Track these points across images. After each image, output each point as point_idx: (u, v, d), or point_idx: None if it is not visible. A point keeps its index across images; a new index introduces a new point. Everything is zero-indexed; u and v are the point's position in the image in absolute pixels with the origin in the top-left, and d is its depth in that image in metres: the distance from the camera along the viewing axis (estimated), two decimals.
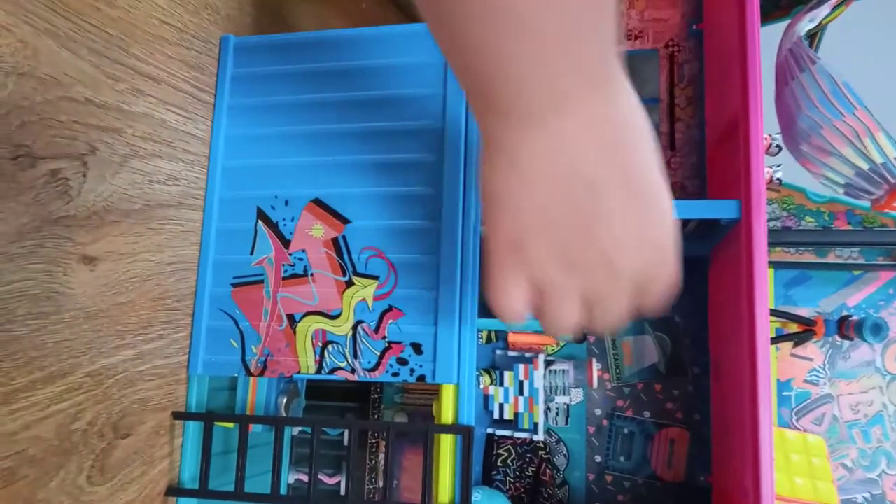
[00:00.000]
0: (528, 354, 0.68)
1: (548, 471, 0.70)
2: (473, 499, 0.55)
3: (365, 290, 0.61)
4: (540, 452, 0.70)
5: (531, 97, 0.31)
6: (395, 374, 0.59)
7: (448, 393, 0.58)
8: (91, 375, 0.51)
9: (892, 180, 0.61)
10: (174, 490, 0.61)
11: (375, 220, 0.62)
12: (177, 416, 0.61)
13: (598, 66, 0.31)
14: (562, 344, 0.72)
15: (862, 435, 0.69)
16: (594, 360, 0.71)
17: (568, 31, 0.29)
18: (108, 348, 0.53)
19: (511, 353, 0.68)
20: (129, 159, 0.55)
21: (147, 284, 0.58)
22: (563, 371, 0.70)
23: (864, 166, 0.62)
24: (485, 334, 0.67)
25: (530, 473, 0.69)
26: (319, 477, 0.80)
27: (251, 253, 0.64)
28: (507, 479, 0.69)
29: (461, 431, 0.56)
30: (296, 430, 0.82)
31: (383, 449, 0.79)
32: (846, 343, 0.68)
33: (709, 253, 0.70)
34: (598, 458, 0.71)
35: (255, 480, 0.68)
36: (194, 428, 0.63)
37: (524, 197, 0.34)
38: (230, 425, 0.64)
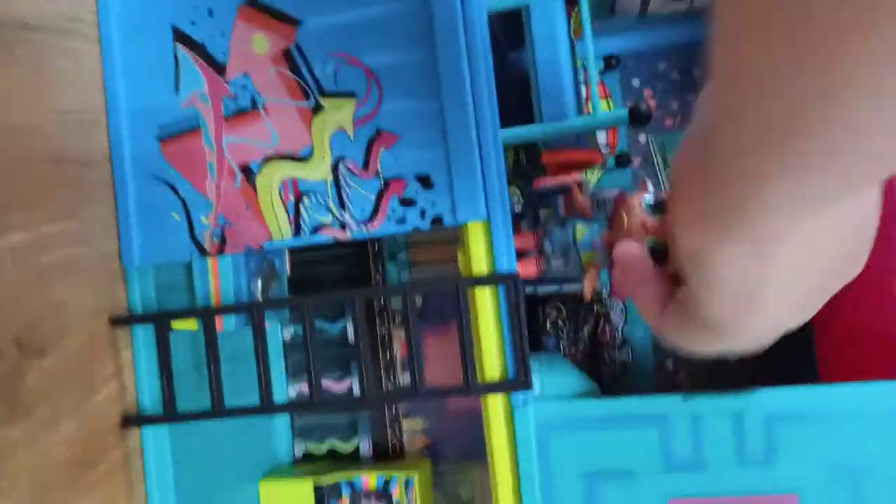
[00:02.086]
0: (567, 183, 0.52)
1: (607, 328, 0.55)
2: (533, 370, 0.40)
3: (340, 115, 0.44)
4: (595, 307, 0.55)
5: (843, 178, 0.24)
6: (401, 221, 0.43)
7: (477, 234, 0.42)
8: None
9: None
10: (132, 419, 0.45)
11: (336, 13, 0.44)
12: (116, 321, 0.45)
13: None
14: (607, 163, 0.56)
15: None
16: (648, 183, 0.55)
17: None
18: None
19: (545, 186, 0.52)
20: None
21: (35, 140, 0.40)
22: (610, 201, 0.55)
23: None
24: (511, 158, 0.50)
25: (586, 334, 0.55)
26: (325, 382, 0.65)
27: (176, 90, 0.46)
28: (562, 343, 0.54)
29: (503, 281, 0.41)
30: (287, 336, 0.67)
31: (398, 340, 0.65)
32: None
33: None
34: None
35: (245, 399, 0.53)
36: (145, 337, 0.47)
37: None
38: (192, 326, 0.48)
